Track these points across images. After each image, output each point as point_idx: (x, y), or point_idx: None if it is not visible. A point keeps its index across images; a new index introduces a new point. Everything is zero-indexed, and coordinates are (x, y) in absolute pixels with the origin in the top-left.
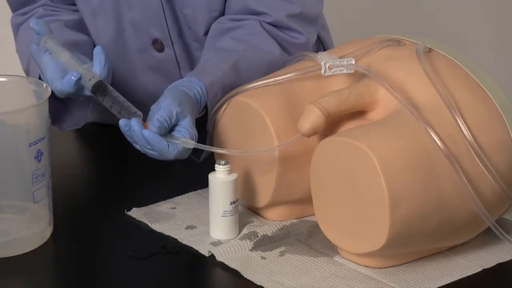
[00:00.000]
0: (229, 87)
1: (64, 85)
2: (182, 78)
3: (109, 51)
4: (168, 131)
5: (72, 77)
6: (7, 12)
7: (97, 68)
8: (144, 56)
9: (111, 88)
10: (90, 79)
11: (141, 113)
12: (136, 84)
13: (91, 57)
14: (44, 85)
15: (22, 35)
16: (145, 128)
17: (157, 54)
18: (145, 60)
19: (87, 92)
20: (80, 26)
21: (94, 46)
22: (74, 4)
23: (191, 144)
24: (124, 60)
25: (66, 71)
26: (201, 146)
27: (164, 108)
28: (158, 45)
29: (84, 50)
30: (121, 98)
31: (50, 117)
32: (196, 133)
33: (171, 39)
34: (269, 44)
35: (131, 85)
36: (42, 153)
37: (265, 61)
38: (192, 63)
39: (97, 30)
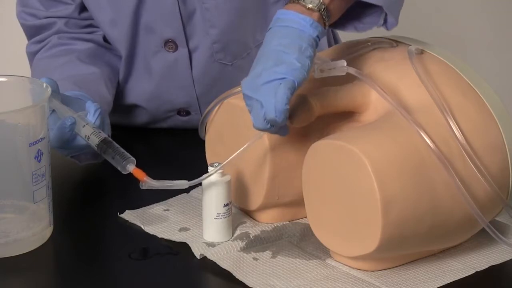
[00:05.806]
0: None
1: (59, 129)
2: (193, 78)
3: (123, 52)
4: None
5: (66, 122)
6: (7, 13)
7: (90, 117)
8: (156, 58)
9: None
10: (84, 125)
11: (134, 159)
12: (145, 87)
13: (101, 91)
14: (44, 85)
15: (37, 65)
16: (142, 179)
17: (169, 55)
18: (157, 62)
19: (81, 141)
20: (93, 55)
21: (108, 71)
22: (90, 26)
23: (185, 184)
24: (135, 61)
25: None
26: (195, 182)
27: None
28: (170, 45)
29: (94, 84)
30: (116, 144)
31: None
32: None
33: (186, 38)
34: None
35: (140, 87)
36: (42, 153)
37: None
38: (206, 64)
39: (113, 36)
